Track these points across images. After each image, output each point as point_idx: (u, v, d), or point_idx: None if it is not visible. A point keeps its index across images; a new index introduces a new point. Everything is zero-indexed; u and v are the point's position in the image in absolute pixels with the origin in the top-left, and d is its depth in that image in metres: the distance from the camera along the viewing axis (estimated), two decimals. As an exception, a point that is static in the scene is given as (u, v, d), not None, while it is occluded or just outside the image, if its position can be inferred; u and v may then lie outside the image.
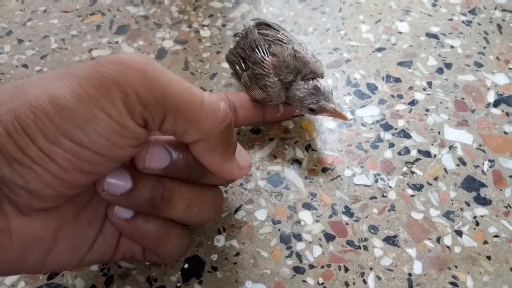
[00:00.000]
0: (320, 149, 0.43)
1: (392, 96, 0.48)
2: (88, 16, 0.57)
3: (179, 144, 0.25)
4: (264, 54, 0.39)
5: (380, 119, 0.46)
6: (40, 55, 0.53)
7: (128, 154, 0.22)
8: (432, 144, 0.44)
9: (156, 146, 0.24)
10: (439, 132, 0.44)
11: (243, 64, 0.41)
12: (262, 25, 0.42)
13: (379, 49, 0.52)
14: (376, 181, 0.41)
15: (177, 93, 0.21)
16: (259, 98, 0.39)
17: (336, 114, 0.37)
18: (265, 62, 0.38)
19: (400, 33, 0.54)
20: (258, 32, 0.41)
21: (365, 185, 0.41)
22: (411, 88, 0.48)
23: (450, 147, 0.43)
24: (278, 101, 0.39)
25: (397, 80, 0.49)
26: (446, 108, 0.46)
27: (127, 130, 0.21)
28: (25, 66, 0.52)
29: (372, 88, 0.48)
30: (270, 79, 0.38)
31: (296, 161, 0.43)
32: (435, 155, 0.43)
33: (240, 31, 0.44)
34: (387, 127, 0.45)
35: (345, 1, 0.58)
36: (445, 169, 0.42)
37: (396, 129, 0.45)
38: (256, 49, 0.39)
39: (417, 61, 0.51)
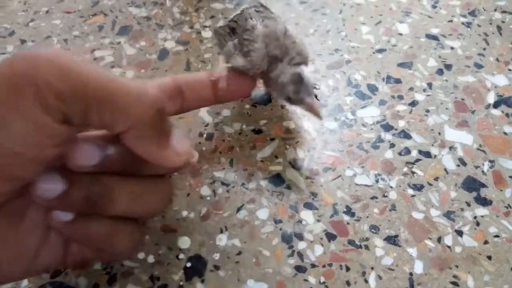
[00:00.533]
0: (321, 149, 0.44)
1: (393, 97, 0.48)
2: (91, 17, 0.57)
3: (111, 137, 0.23)
4: (256, 22, 0.38)
5: (381, 119, 0.46)
6: (42, 56, 0.53)
7: (53, 154, 0.21)
8: (433, 145, 0.44)
9: (85, 142, 0.23)
10: (439, 133, 0.45)
11: (232, 34, 0.40)
12: (259, 4, 0.42)
13: (380, 50, 0.53)
14: (377, 181, 0.41)
15: (98, 81, 0.20)
16: (239, 65, 0.37)
17: (311, 110, 0.36)
18: (256, 29, 0.37)
19: (401, 34, 0.54)
20: (256, 9, 0.41)
21: (366, 185, 0.41)
22: (411, 89, 0.49)
23: (451, 148, 0.44)
24: (259, 70, 0.37)
25: (398, 81, 0.49)
26: (446, 109, 0.47)
27: (45, 127, 0.19)
28: (27, 66, 0.52)
29: (373, 89, 0.49)
30: (257, 45, 0.37)
31: (297, 161, 0.43)
32: (435, 156, 0.43)
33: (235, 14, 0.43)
34: (387, 127, 0.45)
35: (346, 3, 0.58)
36: (445, 170, 0.42)
37: (396, 129, 0.45)
38: (250, 19, 0.39)
39: (417, 62, 0.51)
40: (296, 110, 0.47)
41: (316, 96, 0.37)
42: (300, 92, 0.36)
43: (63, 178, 0.23)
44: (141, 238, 0.30)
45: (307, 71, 0.37)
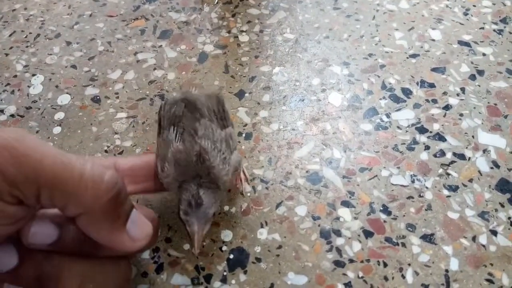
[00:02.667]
0: (357, 150, 0.45)
1: (427, 100, 0.49)
2: (132, 21, 0.60)
3: (68, 217, 0.23)
4: (174, 138, 0.35)
5: (416, 122, 0.47)
6: (88, 57, 0.56)
7: (7, 232, 0.21)
8: (467, 148, 0.45)
9: (41, 221, 0.23)
10: (473, 136, 0.46)
11: (159, 128, 0.38)
12: (189, 104, 0.38)
13: (413, 55, 0.54)
14: (413, 181, 0.42)
15: (50, 168, 0.20)
16: (158, 171, 0.34)
17: (192, 239, 0.32)
18: (171, 148, 0.34)
19: (433, 40, 0.56)
20: (183, 111, 0.37)
21: (402, 185, 0.42)
22: (445, 93, 0.50)
23: (484, 151, 0.45)
24: (171, 191, 0.35)
25: (431, 85, 0.51)
26: (479, 113, 0.48)
27: None
28: (73, 66, 0.55)
29: (407, 92, 0.50)
30: (168, 168, 0.34)
31: (334, 161, 0.44)
32: (469, 158, 0.44)
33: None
34: (422, 130, 0.46)
35: (379, 9, 0.60)
36: (479, 172, 0.43)
37: (431, 132, 0.46)
38: (172, 127, 0.36)
39: (450, 67, 0.52)
40: (332, 113, 0.49)
41: (203, 226, 0.33)
42: (189, 215, 0.32)
43: (17, 252, 0.22)
44: None
45: (215, 199, 0.33)
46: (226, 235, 0.40)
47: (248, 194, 0.42)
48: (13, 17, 0.61)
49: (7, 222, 0.20)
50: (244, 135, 0.47)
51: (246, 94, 0.51)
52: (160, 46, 0.56)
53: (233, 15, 0.60)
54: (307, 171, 0.44)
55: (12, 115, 0.50)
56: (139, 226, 0.25)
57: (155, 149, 0.37)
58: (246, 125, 0.48)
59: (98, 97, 0.51)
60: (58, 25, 0.60)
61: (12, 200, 0.20)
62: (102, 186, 0.21)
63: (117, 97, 0.51)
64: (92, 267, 0.24)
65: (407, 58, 0.54)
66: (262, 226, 0.40)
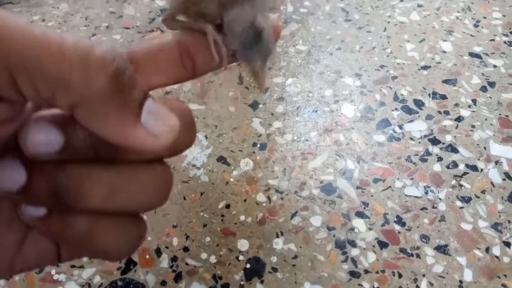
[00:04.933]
0: (371, 160, 0.46)
1: (439, 112, 0.50)
2: (148, 33, 0.61)
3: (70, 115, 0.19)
4: None
5: (428, 133, 0.48)
6: (105, 68, 0.57)
7: None
8: (479, 159, 0.46)
9: (39, 124, 0.18)
10: (485, 148, 0.46)
11: None
12: None
13: (425, 67, 0.55)
14: (426, 192, 0.43)
15: (18, 43, 0.15)
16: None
17: (256, 77, 0.28)
18: None
19: (444, 52, 0.56)
20: None
21: (415, 197, 0.43)
22: (456, 105, 0.50)
23: (496, 162, 0.45)
24: (208, 20, 0.27)
25: (443, 97, 0.51)
26: (491, 124, 0.48)
27: None
28: (92, 77, 0.56)
29: (419, 104, 0.51)
30: None
31: (348, 172, 0.45)
32: (482, 170, 0.45)
33: None
34: (435, 141, 0.47)
35: (390, 21, 0.61)
36: (492, 183, 0.44)
37: (444, 143, 0.47)
38: None
39: (461, 79, 0.53)
40: (345, 124, 0.49)
41: (267, 62, 0.28)
42: (250, 50, 0.27)
43: (24, 167, 0.19)
44: (141, 233, 0.23)
45: (270, 26, 0.28)
46: (243, 244, 0.41)
47: (264, 204, 0.43)
48: (31, 29, 0.63)
49: None
50: (258, 145, 0.48)
51: (260, 105, 0.52)
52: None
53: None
54: (321, 182, 0.45)
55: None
56: (160, 117, 0.19)
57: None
58: (260, 135, 0.49)
59: (115, 108, 0.52)
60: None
61: None
62: (92, 61, 0.16)
63: (134, 108, 0.52)
64: (119, 173, 0.20)
65: (419, 69, 0.54)
66: (277, 236, 0.41)
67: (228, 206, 0.44)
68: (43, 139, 0.18)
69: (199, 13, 0.26)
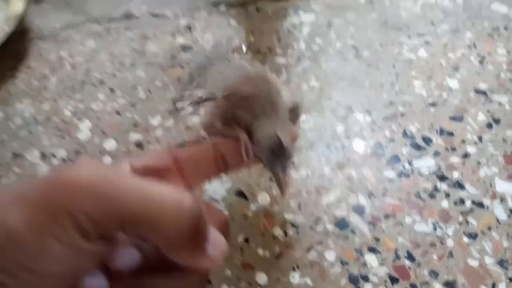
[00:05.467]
0: (381, 196, 0.49)
1: (446, 149, 0.52)
2: (170, 69, 0.65)
3: None
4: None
5: (436, 170, 0.50)
6: (130, 104, 0.60)
7: (93, 264, 0.22)
8: (485, 196, 0.48)
9: (123, 245, 0.24)
10: (490, 184, 0.49)
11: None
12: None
13: (432, 104, 0.58)
14: (435, 229, 0.46)
15: (133, 205, 0.20)
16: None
17: (278, 183, 0.32)
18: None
19: (451, 89, 0.59)
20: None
21: (424, 232, 0.45)
22: (463, 141, 0.53)
23: (501, 199, 0.48)
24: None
25: (450, 134, 0.54)
26: (497, 161, 0.51)
27: (83, 249, 0.20)
28: (117, 113, 0.59)
29: (427, 140, 0.54)
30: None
31: (360, 207, 0.48)
32: (487, 206, 0.47)
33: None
34: (442, 178, 0.50)
35: (398, 58, 0.64)
36: (497, 220, 0.46)
37: (451, 180, 0.49)
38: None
39: (467, 116, 0.56)
40: (357, 160, 0.52)
41: (288, 170, 0.32)
42: (274, 160, 0.32)
43: (106, 278, 0.23)
44: None
45: (291, 139, 0.32)
46: (261, 278, 0.43)
47: (281, 238, 0.46)
48: (60, 65, 0.67)
49: (94, 257, 0.21)
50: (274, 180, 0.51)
51: (276, 140, 0.55)
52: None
53: (262, 64, 0.65)
54: (335, 217, 0.47)
55: (63, 159, 0.55)
56: (216, 245, 0.24)
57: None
58: (276, 170, 0.52)
59: (141, 142, 0.56)
60: (101, 73, 0.65)
61: (97, 237, 0.20)
62: (183, 214, 0.21)
63: (158, 143, 0.56)
64: (176, 280, 0.25)
65: (427, 106, 0.57)
66: (294, 270, 0.44)
67: (247, 240, 0.46)
68: (127, 258, 0.23)
69: (234, 122, 0.32)
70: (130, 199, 0.20)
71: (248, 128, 0.33)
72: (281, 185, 0.32)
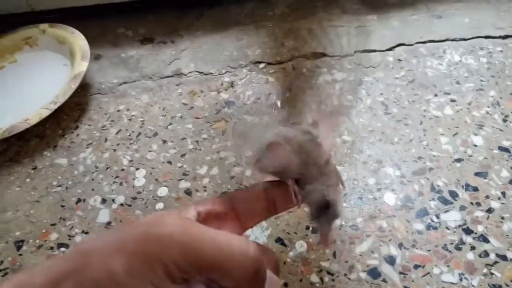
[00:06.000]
0: (411, 247, 0.53)
1: (471, 203, 0.57)
2: (215, 122, 0.72)
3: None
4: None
5: (462, 223, 0.54)
6: (180, 154, 0.68)
7: None
8: (508, 249, 0.51)
9: (196, 285, 0.27)
10: (514, 239, 0.52)
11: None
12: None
13: (458, 160, 0.62)
14: (461, 279, 0.49)
15: (210, 256, 0.24)
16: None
17: (323, 238, 0.34)
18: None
19: (476, 145, 0.64)
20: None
21: (451, 283, 0.49)
22: (487, 197, 0.57)
23: (525, 253, 0.51)
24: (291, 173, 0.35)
25: (475, 189, 0.58)
26: (520, 216, 0.55)
27: None
28: (169, 162, 0.67)
29: (454, 195, 0.58)
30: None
31: (391, 257, 0.52)
32: (511, 259, 0.51)
33: None
34: (468, 231, 0.54)
35: (425, 115, 0.69)
36: (521, 273, 0.49)
37: (476, 233, 0.53)
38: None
39: (491, 172, 0.60)
40: (388, 211, 0.57)
41: (333, 226, 0.35)
42: (320, 218, 0.34)
43: None
44: None
45: (338, 198, 0.34)
46: (301, 320, 0.48)
47: (317, 285, 0.51)
48: (118, 117, 0.75)
49: None
50: (311, 229, 0.56)
51: (312, 191, 0.60)
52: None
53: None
54: (367, 266, 0.52)
55: (121, 204, 0.62)
56: (272, 285, 0.28)
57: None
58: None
59: (190, 190, 0.62)
60: (155, 125, 0.73)
61: (181, 282, 0.24)
62: (248, 263, 0.25)
63: (205, 190, 0.62)
64: None
65: (453, 162, 0.62)
66: (330, 314, 0.48)
67: (286, 285, 0.51)
68: None
69: (282, 172, 0.35)
70: (207, 249, 0.24)
71: (295, 176, 0.35)
72: (325, 241, 0.34)
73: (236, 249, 0.25)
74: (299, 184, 0.35)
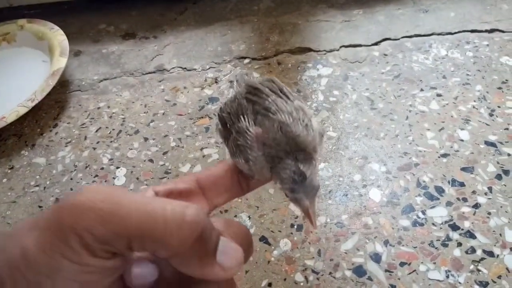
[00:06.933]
0: (397, 244, 0.52)
1: (458, 199, 0.56)
2: (198, 119, 0.70)
3: None
4: (248, 124, 0.34)
5: (448, 219, 0.54)
6: (162, 152, 0.66)
7: (110, 280, 0.22)
8: (495, 245, 0.51)
9: (140, 262, 0.24)
10: (500, 234, 0.52)
11: (228, 129, 0.36)
12: (251, 89, 0.37)
13: (444, 155, 0.61)
14: (447, 276, 0.48)
15: (138, 221, 0.21)
16: (242, 169, 0.33)
17: (307, 215, 0.32)
18: (249, 133, 0.33)
19: (462, 140, 0.63)
20: (246, 98, 0.36)
21: (438, 280, 0.48)
22: (474, 192, 0.56)
23: (511, 249, 0.50)
24: (262, 178, 0.34)
25: (461, 184, 0.57)
26: (506, 212, 0.54)
27: (92, 267, 0.21)
28: (151, 160, 0.65)
29: (440, 190, 0.57)
30: (253, 153, 0.33)
31: (377, 255, 0.51)
32: (498, 255, 0.50)
33: (234, 81, 0.40)
34: (454, 227, 0.53)
35: (411, 110, 0.68)
36: (507, 269, 0.49)
37: (462, 229, 0.52)
38: (242, 117, 0.34)
39: (478, 167, 0.59)
40: (373, 208, 0.56)
41: (314, 200, 0.32)
42: (297, 192, 0.32)
43: None
44: None
45: (315, 168, 0.32)
46: (284, 321, 0.46)
47: (302, 284, 0.49)
48: (98, 114, 0.73)
49: (107, 274, 0.22)
50: (295, 226, 0.55)
51: (297, 188, 0.59)
52: (222, 142, 0.66)
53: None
54: (352, 263, 0.51)
55: (101, 204, 0.60)
56: (230, 255, 0.24)
57: (226, 157, 0.38)
58: (297, 217, 0.56)
59: (171, 189, 0.61)
60: (136, 122, 0.71)
61: (107, 255, 0.21)
62: (186, 227, 0.22)
63: (187, 189, 0.60)
64: None
65: (439, 157, 0.61)
66: (315, 314, 0.47)
67: (270, 285, 0.50)
68: (144, 275, 0.24)
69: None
70: (133, 215, 0.21)
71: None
72: (310, 218, 0.31)
73: (170, 213, 0.22)
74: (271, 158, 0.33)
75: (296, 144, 0.32)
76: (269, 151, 0.32)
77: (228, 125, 0.36)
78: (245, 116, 0.34)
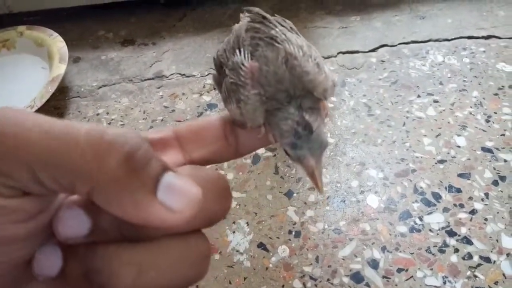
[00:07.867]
0: (394, 251, 0.52)
1: (455, 205, 0.56)
2: (197, 125, 0.70)
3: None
4: (244, 58, 0.28)
5: (445, 226, 0.54)
6: (160, 158, 0.66)
7: (26, 230, 0.18)
8: (492, 251, 0.51)
9: (68, 209, 0.19)
10: (497, 240, 0.52)
11: (223, 72, 0.30)
12: (257, 16, 0.30)
13: (441, 161, 0.62)
14: (445, 283, 0.49)
15: (41, 144, 0.16)
16: (234, 116, 0.27)
17: (312, 177, 0.26)
18: (243, 68, 0.27)
19: (459, 146, 0.63)
20: (248, 28, 0.29)
21: (435, 286, 0.48)
22: (470, 198, 0.57)
23: (508, 255, 0.51)
24: (253, 124, 0.27)
25: (458, 190, 0.58)
26: (502, 218, 0.54)
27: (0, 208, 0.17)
28: (149, 167, 0.65)
29: (437, 197, 0.57)
30: (245, 92, 0.27)
31: (374, 261, 0.51)
32: (494, 261, 0.50)
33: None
34: (451, 233, 0.53)
35: (408, 116, 0.69)
36: (503, 275, 0.49)
37: (459, 235, 0.53)
38: (237, 50, 0.28)
39: (475, 173, 0.60)
40: (371, 214, 0.56)
41: (321, 158, 0.27)
42: (300, 148, 0.26)
43: (61, 252, 0.19)
44: None
45: (323, 119, 0.27)
46: (282, 327, 0.47)
47: (300, 290, 0.50)
48: (97, 121, 0.73)
49: (17, 218, 0.17)
50: (293, 233, 0.55)
51: (294, 194, 0.60)
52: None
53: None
54: (350, 270, 0.51)
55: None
56: (179, 192, 0.18)
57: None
58: (295, 223, 0.56)
59: (169, 196, 0.61)
60: (135, 129, 0.71)
61: (11, 192, 0.17)
62: (102, 146, 0.17)
63: (185, 196, 0.61)
64: (149, 250, 0.20)
65: (436, 163, 0.61)
66: (313, 320, 0.47)
67: (268, 291, 0.50)
68: (72, 224, 0.19)
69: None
70: (34, 137, 0.16)
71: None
72: (314, 177, 0.26)
73: (84, 132, 0.17)
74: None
75: (303, 84, 0.26)
76: (267, 89, 0.26)
77: (222, 67, 0.30)
78: (242, 49, 0.28)
